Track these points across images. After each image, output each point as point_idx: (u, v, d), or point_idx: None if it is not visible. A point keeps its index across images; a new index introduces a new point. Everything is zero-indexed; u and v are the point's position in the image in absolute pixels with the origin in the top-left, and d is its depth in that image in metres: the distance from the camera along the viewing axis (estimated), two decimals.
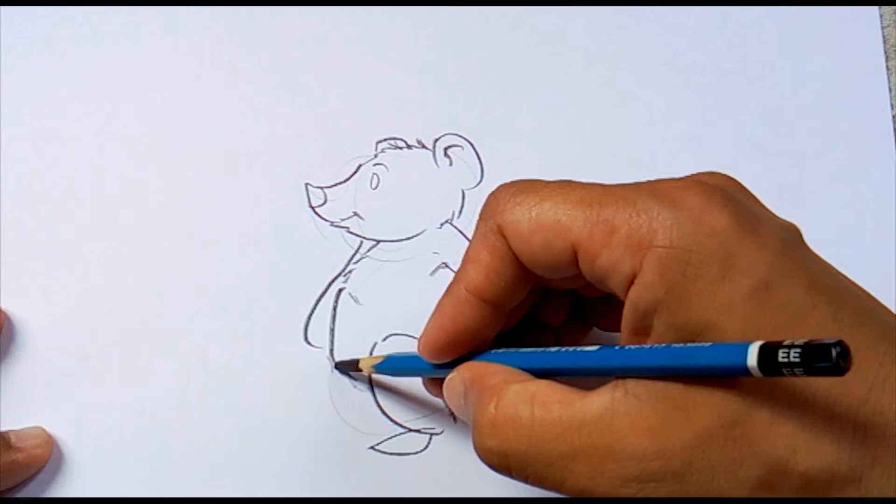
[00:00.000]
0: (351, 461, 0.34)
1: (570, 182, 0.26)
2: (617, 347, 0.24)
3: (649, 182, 0.25)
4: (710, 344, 0.21)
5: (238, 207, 0.36)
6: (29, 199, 0.36)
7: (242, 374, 0.34)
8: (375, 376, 0.34)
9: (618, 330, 0.25)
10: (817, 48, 0.37)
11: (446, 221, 0.36)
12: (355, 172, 0.36)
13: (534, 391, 0.24)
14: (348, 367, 0.34)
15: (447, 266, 0.35)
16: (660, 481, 0.22)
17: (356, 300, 0.35)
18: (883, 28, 0.38)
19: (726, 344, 0.21)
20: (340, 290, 0.35)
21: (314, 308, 0.35)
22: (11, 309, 0.34)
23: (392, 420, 0.34)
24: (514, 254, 0.26)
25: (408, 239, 0.36)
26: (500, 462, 0.24)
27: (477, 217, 0.27)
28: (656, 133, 0.36)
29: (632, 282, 0.23)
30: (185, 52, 0.37)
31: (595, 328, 0.31)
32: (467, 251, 0.27)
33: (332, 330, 0.35)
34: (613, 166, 0.36)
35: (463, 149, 0.36)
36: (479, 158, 0.36)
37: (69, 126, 0.36)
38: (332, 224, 0.36)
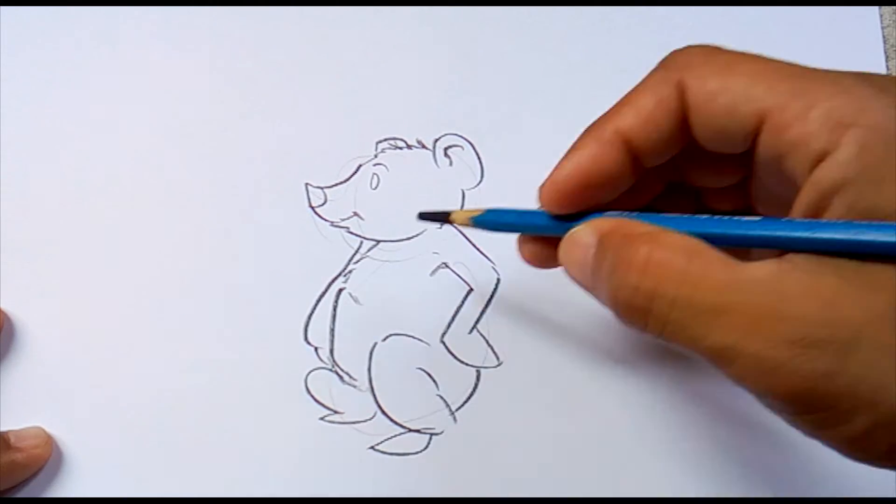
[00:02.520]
0: (351, 461, 0.34)
1: (766, 56, 0.24)
2: (788, 219, 0.22)
3: (857, 71, 0.23)
4: None
5: (238, 207, 0.36)
6: (29, 199, 0.36)
7: (242, 374, 0.34)
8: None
9: None
10: (817, 48, 0.37)
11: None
12: (355, 172, 0.36)
13: (694, 244, 0.23)
14: (436, 218, 0.31)
15: (447, 266, 0.35)
16: (822, 349, 0.20)
17: (356, 300, 0.35)
18: (883, 28, 0.38)
19: None
20: (340, 290, 0.35)
21: (314, 308, 0.35)
22: (11, 309, 0.34)
23: (392, 420, 0.34)
24: (682, 113, 0.24)
25: (408, 239, 0.36)
26: (643, 303, 0.23)
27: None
28: None
29: (820, 160, 0.22)
30: (185, 53, 0.37)
31: None
32: (627, 95, 0.25)
33: (332, 330, 0.35)
34: None
35: (463, 149, 0.36)
36: (479, 158, 0.36)
37: (69, 126, 0.36)
38: (332, 224, 0.36)
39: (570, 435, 0.34)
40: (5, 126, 0.36)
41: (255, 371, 0.34)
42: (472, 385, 0.34)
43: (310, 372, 0.34)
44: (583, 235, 0.25)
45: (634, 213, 0.25)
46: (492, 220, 0.29)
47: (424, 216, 0.31)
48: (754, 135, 0.23)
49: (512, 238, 0.35)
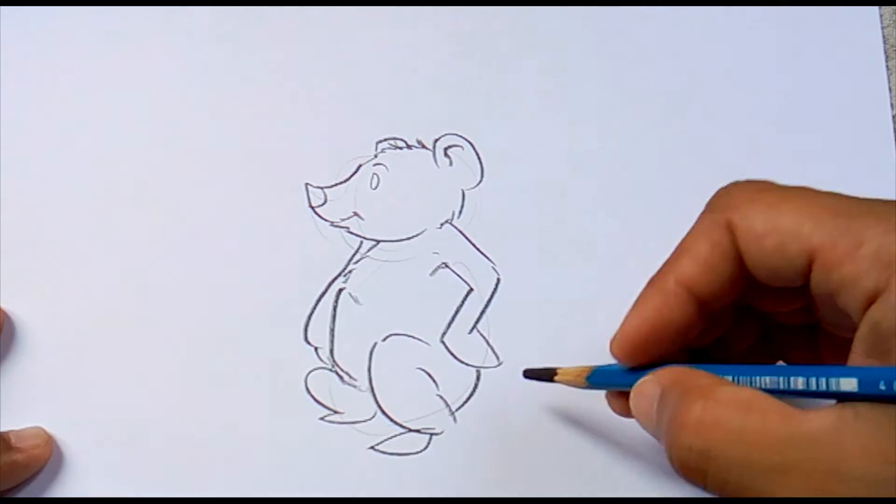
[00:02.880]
0: (351, 461, 0.34)
1: (812, 189, 0.24)
2: (851, 367, 0.22)
3: None
4: None
5: (238, 207, 0.36)
6: (29, 199, 0.36)
7: (242, 374, 0.34)
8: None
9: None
10: (817, 48, 0.37)
11: (446, 221, 0.36)
12: (355, 172, 0.36)
13: (749, 397, 0.23)
14: (539, 377, 0.32)
15: (447, 266, 0.35)
16: None
17: (356, 300, 0.35)
18: (883, 28, 0.38)
19: None
20: (340, 290, 0.35)
21: (314, 308, 0.35)
22: (11, 309, 0.34)
23: (392, 420, 0.34)
24: (736, 253, 0.25)
25: (408, 239, 0.36)
26: (698, 464, 0.23)
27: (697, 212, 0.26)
28: (656, 133, 0.36)
29: (872, 300, 0.22)
30: (184, 53, 0.37)
31: (781, 362, 0.29)
32: (683, 242, 0.26)
33: (332, 330, 0.35)
34: (613, 166, 0.36)
35: (463, 149, 0.36)
36: (479, 158, 0.36)
37: (69, 126, 0.36)
38: (332, 224, 0.36)
39: (571, 435, 0.34)
40: (5, 126, 0.36)
41: (255, 371, 0.34)
42: (472, 385, 0.34)
43: (310, 372, 0.34)
44: (648, 387, 0.26)
45: (703, 365, 0.25)
46: (597, 382, 0.29)
47: (529, 374, 0.32)
48: (807, 271, 0.23)
49: (512, 238, 0.36)
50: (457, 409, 0.34)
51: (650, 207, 0.36)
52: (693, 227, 0.26)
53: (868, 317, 0.22)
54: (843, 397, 0.22)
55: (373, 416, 0.34)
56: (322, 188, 0.36)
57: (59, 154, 0.36)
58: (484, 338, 0.35)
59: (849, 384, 0.22)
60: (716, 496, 0.23)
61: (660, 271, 0.26)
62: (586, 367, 0.30)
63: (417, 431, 0.34)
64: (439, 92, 0.37)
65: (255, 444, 0.34)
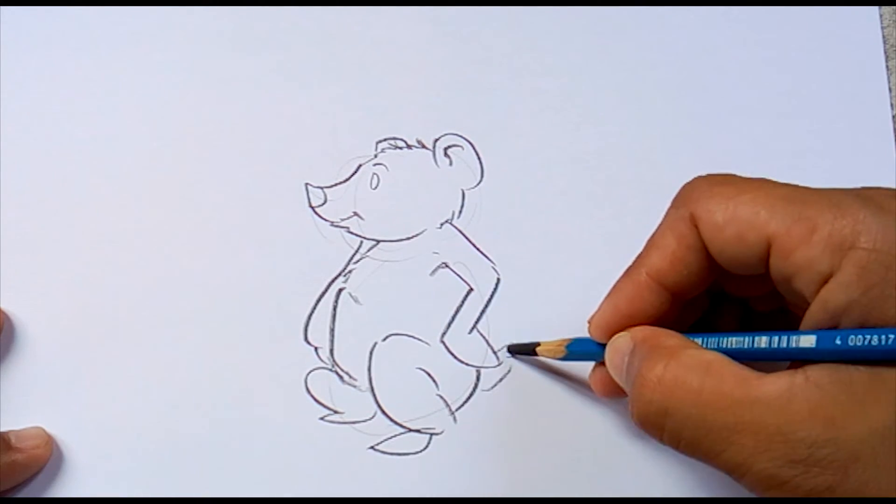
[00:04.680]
0: (351, 461, 0.34)
1: (769, 180, 0.25)
2: (803, 332, 0.24)
3: (854, 188, 0.24)
4: None
5: (238, 207, 0.36)
6: (29, 199, 0.36)
7: (242, 374, 0.34)
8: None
9: None
10: (817, 48, 0.37)
11: (446, 221, 0.36)
12: (355, 172, 0.36)
13: (710, 360, 0.24)
14: (522, 351, 0.34)
15: (447, 266, 0.35)
16: (824, 468, 0.22)
17: (356, 300, 0.35)
18: (883, 28, 0.38)
19: None
20: (340, 290, 0.35)
21: (314, 308, 0.35)
22: (11, 309, 0.34)
23: (392, 420, 0.34)
24: (701, 244, 0.26)
25: (408, 239, 0.36)
26: (656, 419, 0.25)
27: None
28: (656, 133, 0.36)
29: (825, 281, 0.23)
30: (184, 52, 0.37)
31: None
32: (652, 236, 0.28)
33: (332, 330, 0.35)
34: (613, 166, 0.36)
35: (463, 149, 0.36)
36: (479, 158, 0.36)
37: (69, 126, 0.36)
38: (332, 224, 0.36)
39: (571, 435, 0.34)
40: (5, 126, 0.36)
41: (255, 371, 0.34)
42: (472, 385, 0.34)
43: (310, 372, 0.34)
44: (621, 342, 0.28)
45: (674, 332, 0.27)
46: (573, 353, 0.31)
47: (513, 349, 0.34)
48: (766, 258, 0.24)
49: (512, 238, 0.36)
50: (457, 409, 0.34)
51: (650, 207, 0.35)
52: (661, 222, 0.27)
53: (820, 297, 0.23)
54: (803, 356, 0.23)
55: (373, 416, 0.34)
56: (322, 188, 0.36)
57: (59, 154, 0.36)
58: (484, 338, 0.35)
59: (807, 340, 0.23)
60: (674, 450, 0.25)
61: (632, 264, 0.28)
62: (566, 339, 0.32)
63: (417, 431, 0.34)
64: (439, 92, 0.37)
65: (256, 444, 0.34)
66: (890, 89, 0.37)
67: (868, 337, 0.22)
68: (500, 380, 0.34)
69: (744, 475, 0.23)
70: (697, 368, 0.24)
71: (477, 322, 0.35)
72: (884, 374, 0.22)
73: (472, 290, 0.35)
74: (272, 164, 0.36)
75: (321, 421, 0.34)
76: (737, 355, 0.25)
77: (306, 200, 0.36)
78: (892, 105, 0.37)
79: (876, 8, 0.38)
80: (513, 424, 0.34)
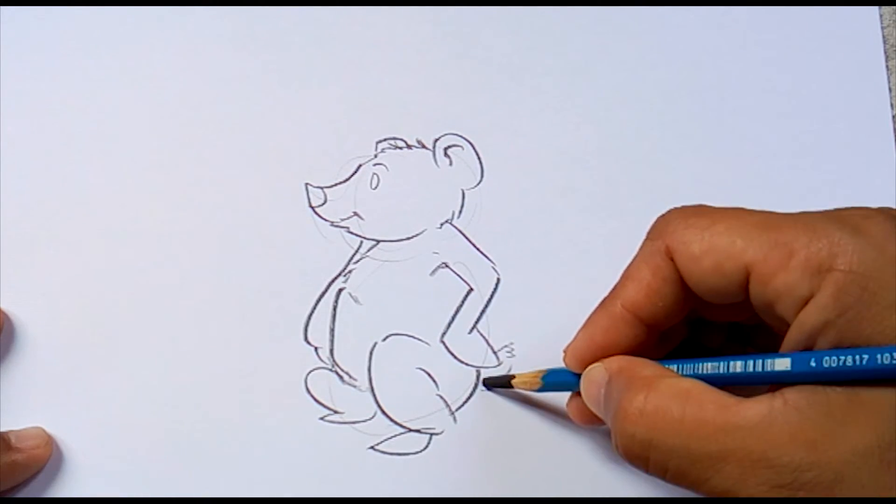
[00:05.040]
0: (351, 461, 0.33)
1: (743, 208, 0.26)
2: (784, 352, 0.24)
3: (828, 210, 0.25)
4: (893, 346, 0.22)
5: (238, 207, 0.36)
6: (29, 199, 0.36)
7: (242, 374, 0.34)
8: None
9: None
10: (817, 48, 0.37)
11: (446, 221, 0.36)
12: (355, 172, 0.36)
13: (688, 388, 0.24)
14: (497, 384, 0.34)
15: (447, 266, 0.35)
16: (810, 491, 0.22)
17: (356, 300, 0.35)
18: (883, 28, 0.38)
19: None
20: (340, 290, 0.35)
21: (314, 308, 0.35)
22: (11, 309, 0.34)
23: (392, 420, 0.34)
24: (677, 276, 0.26)
25: (408, 239, 0.36)
26: (640, 451, 0.25)
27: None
28: (656, 133, 0.36)
29: (804, 304, 0.23)
30: (185, 53, 0.37)
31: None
32: (628, 268, 0.28)
33: (332, 330, 0.35)
34: (613, 166, 0.36)
35: (463, 149, 0.36)
36: (479, 158, 0.36)
37: (69, 126, 0.36)
38: (332, 224, 0.36)
39: (570, 435, 0.34)
40: (5, 126, 0.36)
41: (255, 371, 0.34)
42: (472, 385, 0.34)
43: (310, 372, 0.34)
44: (596, 373, 0.28)
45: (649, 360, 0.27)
46: (550, 384, 0.31)
47: (489, 382, 0.34)
48: (745, 286, 0.25)
49: (512, 238, 0.36)
50: (457, 409, 0.34)
51: (650, 207, 0.35)
52: (636, 255, 0.27)
53: (797, 321, 0.23)
54: (779, 379, 0.24)
55: (373, 416, 0.34)
56: (322, 188, 0.36)
57: (59, 154, 0.36)
58: (484, 338, 0.35)
59: (783, 363, 0.24)
60: (660, 480, 0.25)
61: (607, 296, 0.28)
62: (541, 370, 0.31)
63: (417, 431, 0.34)
64: (439, 92, 0.37)
65: (256, 443, 0.34)
66: (890, 89, 0.37)
67: (843, 358, 0.22)
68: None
69: (733, 498, 0.23)
70: (677, 398, 0.24)
71: (477, 322, 0.35)
72: (861, 395, 0.22)
73: (472, 290, 0.35)
74: (272, 164, 0.36)
75: (321, 421, 0.34)
76: (713, 380, 0.25)
77: (306, 200, 0.36)
78: (892, 105, 0.37)
79: (876, 8, 0.38)
80: (513, 424, 0.34)
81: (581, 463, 0.33)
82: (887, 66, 0.37)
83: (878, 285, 0.22)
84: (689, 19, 0.38)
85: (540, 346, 0.34)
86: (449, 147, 0.36)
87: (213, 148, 0.36)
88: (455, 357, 0.34)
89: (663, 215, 0.27)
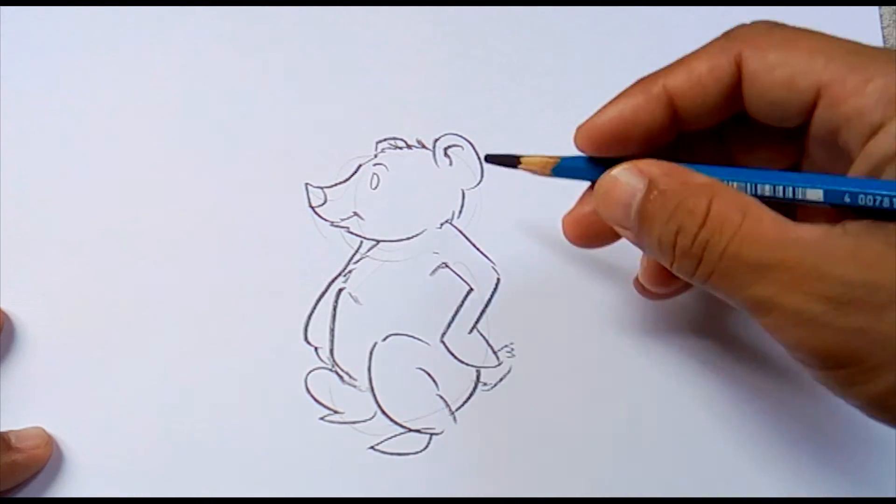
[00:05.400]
0: (351, 461, 0.34)
1: (826, 33, 0.25)
2: (818, 175, 0.24)
3: None
4: None
5: (238, 207, 0.36)
6: (29, 199, 0.36)
7: (242, 374, 0.34)
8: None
9: None
10: None
11: (446, 221, 0.36)
12: (355, 172, 0.36)
13: (748, 202, 0.24)
14: (504, 163, 0.31)
15: (447, 266, 0.35)
16: (858, 308, 0.22)
17: (356, 300, 0.35)
18: (883, 28, 0.38)
19: None
20: (340, 290, 0.35)
21: (314, 308, 0.35)
22: (11, 309, 0.34)
23: (392, 420, 0.34)
24: (733, 82, 0.25)
25: (408, 239, 0.36)
26: (698, 251, 0.24)
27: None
28: None
29: (874, 134, 0.23)
30: (185, 53, 0.37)
31: None
32: (684, 56, 0.26)
33: (332, 329, 0.35)
34: None
35: (463, 149, 0.36)
36: (479, 158, 0.36)
37: (69, 126, 0.36)
38: (332, 224, 0.36)
39: (570, 435, 0.34)
40: (5, 126, 0.36)
41: (255, 371, 0.34)
42: (472, 385, 0.34)
43: (310, 372, 0.34)
44: (627, 177, 0.26)
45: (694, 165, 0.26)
46: (565, 167, 0.29)
47: (490, 159, 0.31)
48: (810, 108, 0.24)
49: (512, 238, 0.35)
50: (457, 409, 0.34)
51: None
52: (702, 47, 0.26)
53: (867, 149, 0.23)
54: (844, 203, 0.23)
55: (373, 416, 0.34)
56: (322, 188, 0.36)
57: (59, 154, 0.36)
58: (484, 338, 0.35)
59: (814, 194, 0.23)
60: (703, 287, 0.24)
61: (651, 74, 0.27)
62: (553, 156, 0.29)
63: (417, 431, 0.34)
64: (439, 92, 0.37)
65: (256, 444, 0.34)
66: None
67: (880, 196, 0.22)
68: (500, 380, 0.34)
69: (770, 311, 0.23)
70: (738, 208, 0.23)
71: (477, 322, 0.35)
72: None
73: (472, 290, 0.35)
74: (272, 164, 0.36)
75: (321, 421, 0.34)
76: (768, 193, 0.24)
77: (306, 200, 0.36)
78: None
79: (876, 8, 0.38)
80: (513, 424, 0.34)
81: (581, 463, 0.33)
82: None
83: None
84: (689, 19, 0.38)
85: (540, 346, 0.34)
86: (449, 147, 0.36)
87: (213, 148, 0.36)
88: (455, 357, 0.34)
89: (746, 23, 0.26)
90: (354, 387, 0.34)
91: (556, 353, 0.35)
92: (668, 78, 0.26)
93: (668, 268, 0.25)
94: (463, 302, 0.35)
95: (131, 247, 0.35)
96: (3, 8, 0.37)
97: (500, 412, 0.34)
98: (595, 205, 0.27)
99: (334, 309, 0.35)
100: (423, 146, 0.36)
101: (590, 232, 0.29)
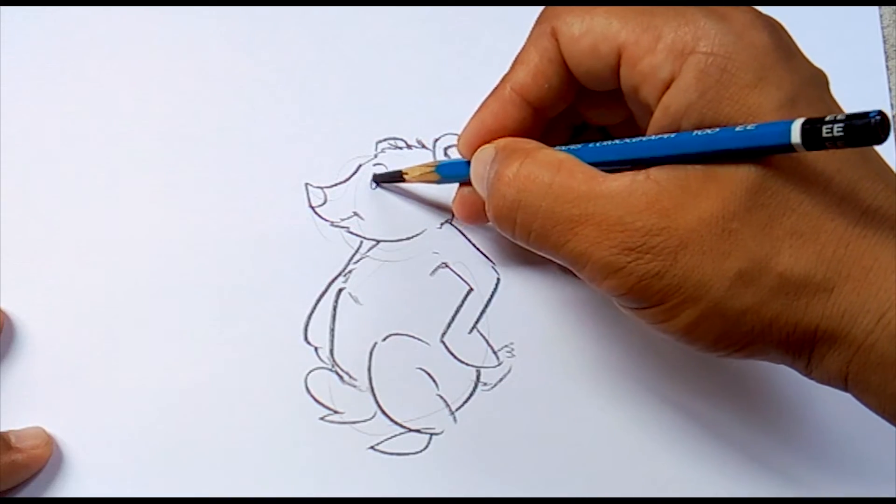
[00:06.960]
0: (351, 461, 0.34)
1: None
2: (647, 137, 0.25)
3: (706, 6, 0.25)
4: (752, 126, 0.22)
5: (238, 207, 0.36)
6: (29, 199, 0.36)
7: (242, 374, 0.34)
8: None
9: None
10: (817, 48, 0.37)
11: (446, 221, 0.36)
12: (355, 172, 0.36)
13: (562, 159, 0.26)
14: (391, 179, 0.34)
15: (447, 266, 0.35)
16: (655, 254, 0.23)
17: (356, 300, 0.35)
18: (883, 28, 0.38)
19: (770, 123, 0.22)
20: (340, 290, 0.35)
21: (314, 308, 0.35)
22: (11, 309, 0.34)
23: (392, 420, 0.34)
24: (561, 58, 0.27)
25: (408, 239, 0.36)
26: (508, 213, 0.26)
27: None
28: None
29: (668, 88, 0.24)
30: (185, 53, 0.37)
31: None
32: (518, 53, 0.29)
33: (332, 330, 0.35)
34: None
35: None
36: None
37: (69, 126, 0.36)
38: (332, 224, 0.36)
39: (570, 434, 0.34)
40: (5, 126, 0.36)
41: (255, 371, 0.34)
42: (472, 385, 0.34)
43: (310, 372, 0.34)
44: (486, 152, 0.29)
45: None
46: (445, 174, 0.32)
47: (378, 178, 0.35)
48: (617, 69, 0.26)
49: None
50: (457, 409, 0.34)
51: None
52: (527, 39, 0.28)
53: (662, 102, 0.24)
54: (645, 162, 0.25)
55: (373, 416, 0.34)
56: (322, 188, 0.36)
57: (59, 154, 0.36)
58: (484, 338, 0.35)
59: (648, 151, 0.25)
60: (524, 244, 0.26)
61: (499, 82, 0.29)
62: (430, 163, 0.33)
63: (417, 431, 0.34)
64: (439, 92, 0.37)
65: (256, 444, 0.34)
66: (890, 89, 0.37)
67: (699, 135, 0.23)
68: (500, 380, 0.34)
69: (585, 265, 0.25)
70: (550, 166, 0.25)
71: (477, 322, 0.35)
72: (717, 171, 0.23)
73: (472, 290, 0.35)
74: (272, 164, 0.36)
75: (321, 421, 0.34)
76: (587, 159, 0.26)
77: (306, 200, 0.36)
78: (892, 105, 0.37)
79: (876, 8, 0.38)
80: (513, 424, 0.34)
81: (581, 463, 0.33)
82: (887, 66, 0.37)
83: (736, 66, 0.23)
84: None
85: (540, 346, 0.34)
86: (449, 147, 0.36)
87: (213, 148, 0.36)
88: (455, 357, 0.34)
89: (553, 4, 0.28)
90: (354, 387, 0.34)
91: (556, 353, 0.35)
92: (513, 77, 0.28)
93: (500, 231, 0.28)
94: (463, 302, 0.35)
95: (131, 247, 0.35)
96: (3, 8, 0.37)
97: (500, 412, 0.34)
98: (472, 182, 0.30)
99: (334, 309, 0.35)
100: (423, 146, 0.36)
101: (473, 210, 0.32)
